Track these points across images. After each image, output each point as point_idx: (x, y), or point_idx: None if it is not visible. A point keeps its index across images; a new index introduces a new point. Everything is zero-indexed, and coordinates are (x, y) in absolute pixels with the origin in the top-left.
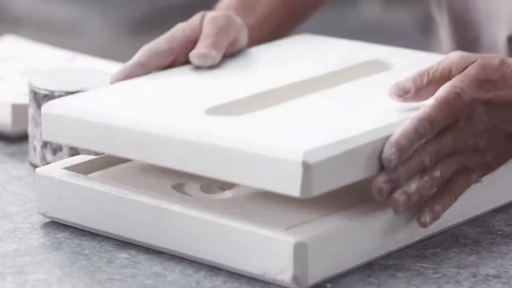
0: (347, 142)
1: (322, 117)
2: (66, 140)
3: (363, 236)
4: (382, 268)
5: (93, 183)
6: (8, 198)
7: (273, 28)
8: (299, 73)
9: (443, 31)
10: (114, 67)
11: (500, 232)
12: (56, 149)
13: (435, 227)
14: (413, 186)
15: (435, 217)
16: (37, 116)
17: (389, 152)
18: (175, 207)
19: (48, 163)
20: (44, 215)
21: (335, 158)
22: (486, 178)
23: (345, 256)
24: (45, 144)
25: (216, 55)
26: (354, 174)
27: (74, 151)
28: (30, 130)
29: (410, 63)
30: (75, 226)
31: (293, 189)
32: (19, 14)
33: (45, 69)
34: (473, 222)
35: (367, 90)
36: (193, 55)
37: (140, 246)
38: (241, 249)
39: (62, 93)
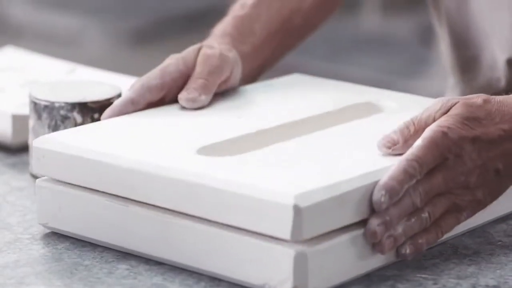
0: (338, 186)
1: (314, 160)
2: (57, 175)
3: (362, 247)
4: (382, 279)
5: (93, 194)
6: (8, 209)
7: (271, 53)
8: (290, 114)
9: (443, 45)
10: (114, 78)
11: (499, 243)
12: None
13: None
14: (399, 229)
15: (417, 249)
16: (38, 127)
17: (379, 194)
18: (175, 218)
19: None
20: (44, 225)
21: (326, 202)
22: None
23: (345, 267)
24: None
25: (205, 99)
26: (345, 218)
27: None
28: (31, 141)
29: (401, 106)
30: (76, 237)
31: (284, 232)
32: (20, 25)
33: (45, 80)
34: (472, 232)
35: (359, 133)
36: (181, 98)
37: (140, 257)
38: (242, 260)
39: (62, 104)
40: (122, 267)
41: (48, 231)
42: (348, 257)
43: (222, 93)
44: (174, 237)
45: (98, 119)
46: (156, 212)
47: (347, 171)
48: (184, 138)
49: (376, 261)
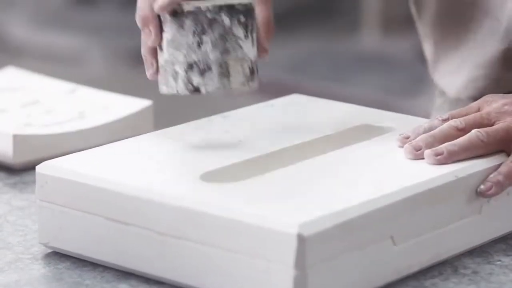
0: (341, 213)
1: (316, 186)
2: (60, 201)
3: (362, 266)
4: None
5: (94, 214)
6: (9, 229)
7: None
8: (290, 137)
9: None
10: (116, 98)
11: (498, 262)
12: (205, 69)
13: (434, 258)
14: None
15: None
16: (178, 37)
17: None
18: (175, 239)
19: (195, 87)
20: (45, 245)
21: (330, 230)
22: (485, 209)
23: (345, 286)
24: (190, 66)
25: None
26: (349, 247)
27: (224, 69)
28: (168, 56)
29: (401, 128)
30: (76, 256)
31: (287, 261)
32: (21, 45)
33: (46, 100)
34: (472, 252)
35: (360, 157)
36: None
37: (141, 277)
38: (242, 279)
39: (210, 7)
40: (123, 287)
41: (49, 250)
42: (348, 276)
43: (223, 114)
44: (173, 256)
45: (245, 23)
46: (156, 232)
47: (350, 197)
48: (187, 163)
49: (376, 281)
